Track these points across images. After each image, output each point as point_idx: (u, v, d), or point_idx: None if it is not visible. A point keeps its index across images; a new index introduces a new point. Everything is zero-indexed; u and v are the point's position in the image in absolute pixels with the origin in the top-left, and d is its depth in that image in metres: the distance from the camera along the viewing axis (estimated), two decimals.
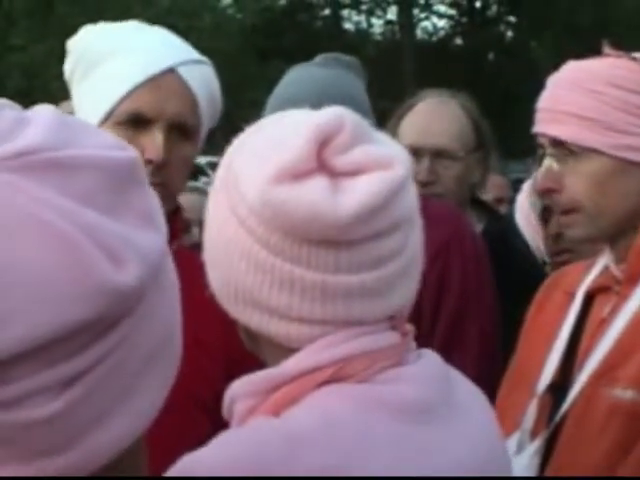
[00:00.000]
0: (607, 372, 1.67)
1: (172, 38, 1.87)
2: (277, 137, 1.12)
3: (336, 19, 29.16)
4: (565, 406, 1.70)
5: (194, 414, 1.75)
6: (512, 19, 29.59)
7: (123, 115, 1.77)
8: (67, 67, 1.86)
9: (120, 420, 0.73)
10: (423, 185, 2.49)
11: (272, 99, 2.19)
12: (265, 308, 1.10)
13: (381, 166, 1.07)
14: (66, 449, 0.71)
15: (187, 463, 1.04)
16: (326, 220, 1.05)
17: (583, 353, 1.74)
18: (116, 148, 0.76)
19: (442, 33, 30.30)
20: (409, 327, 1.18)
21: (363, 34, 29.35)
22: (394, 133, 2.58)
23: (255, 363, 1.18)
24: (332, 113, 1.09)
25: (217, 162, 1.20)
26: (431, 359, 1.20)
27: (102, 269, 0.69)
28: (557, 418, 1.70)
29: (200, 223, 1.33)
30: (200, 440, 1.09)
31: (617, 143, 1.70)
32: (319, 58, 2.28)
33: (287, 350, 1.12)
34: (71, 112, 1.82)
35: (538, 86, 1.86)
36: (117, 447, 0.74)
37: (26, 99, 1.01)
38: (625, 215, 1.74)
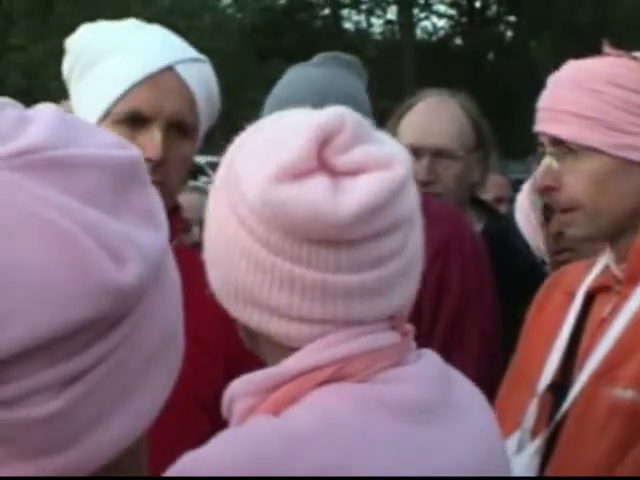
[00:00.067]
0: (607, 372, 1.67)
1: (170, 36, 1.87)
2: (278, 136, 1.12)
3: (336, 19, 29.16)
4: (565, 406, 1.70)
5: (194, 413, 1.75)
6: (512, 19, 29.60)
7: (121, 114, 1.77)
8: (65, 66, 1.86)
9: (120, 420, 0.73)
10: (422, 185, 2.49)
11: (270, 99, 2.19)
12: (265, 307, 1.10)
13: (382, 166, 1.07)
14: (66, 448, 0.71)
15: (187, 463, 1.04)
16: (326, 220, 1.05)
17: (583, 353, 1.74)
18: (118, 147, 0.76)
19: (442, 33, 30.31)
20: (409, 327, 1.18)
21: (363, 34, 29.35)
22: (394, 133, 2.58)
23: (255, 362, 1.18)
24: (333, 113, 1.09)
25: (217, 162, 1.20)
26: (431, 359, 1.20)
27: (104, 268, 0.69)
28: (557, 417, 1.70)
29: (200, 222, 1.33)
30: (200, 439, 1.09)
31: (617, 142, 1.70)
32: (318, 58, 2.28)
33: (287, 349, 1.12)
34: (71, 111, 1.82)
35: (538, 86, 1.86)
36: (117, 447, 0.74)
37: (26, 99, 1.00)
38: (624, 214, 1.74)
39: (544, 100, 1.79)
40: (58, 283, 0.68)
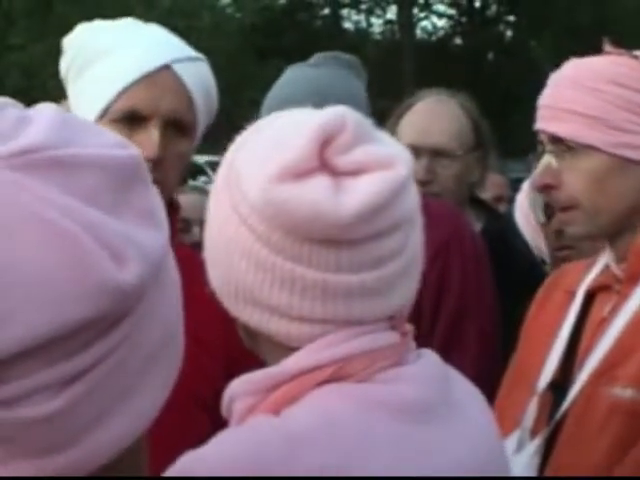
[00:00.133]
0: (607, 371, 1.67)
1: (167, 35, 1.87)
2: (279, 136, 1.12)
3: (336, 18, 29.14)
4: (565, 405, 1.70)
5: (194, 413, 1.75)
6: (511, 19, 29.59)
7: (119, 112, 1.77)
8: (63, 65, 1.86)
9: (120, 419, 0.73)
10: (421, 184, 2.49)
11: (268, 99, 2.19)
12: (265, 307, 1.10)
13: (383, 166, 1.07)
14: (66, 448, 0.71)
15: (187, 462, 1.04)
16: (328, 219, 1.05)
17: (583, 352, 1.74)
18: (118, 147, 0.75)
19: (442, 33, 30.29)
20: (409, 327, 1.18)
21: (363, 33, 29.33)
22: (393, 132, 2.58)
23: (255, 362, 1.18)
24: (334, 113, 1.09)
25: (216, 161, 1.20)
26: (431, 359, 1.20)
27: (104, 267, 0.69)
28: (557, 417, 1.70)
29: (201, 222, 1.33)
30: (200, 439, 1.09)
31: (616, 141, 1.70)
32: (316, 57, 2.27)
33: (287, 349, 1.12)
34: (69, 111, 1.82)
35: (538, 85, 1.86)
36: (117, 446, 0.74)
37: (25, 98, 1.00)
38: (624, 213, 1.74)
39: (545, 98, 1.79)
40: (58, 283, 0.68)
